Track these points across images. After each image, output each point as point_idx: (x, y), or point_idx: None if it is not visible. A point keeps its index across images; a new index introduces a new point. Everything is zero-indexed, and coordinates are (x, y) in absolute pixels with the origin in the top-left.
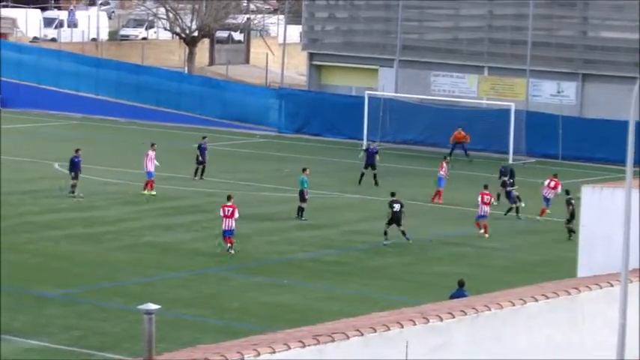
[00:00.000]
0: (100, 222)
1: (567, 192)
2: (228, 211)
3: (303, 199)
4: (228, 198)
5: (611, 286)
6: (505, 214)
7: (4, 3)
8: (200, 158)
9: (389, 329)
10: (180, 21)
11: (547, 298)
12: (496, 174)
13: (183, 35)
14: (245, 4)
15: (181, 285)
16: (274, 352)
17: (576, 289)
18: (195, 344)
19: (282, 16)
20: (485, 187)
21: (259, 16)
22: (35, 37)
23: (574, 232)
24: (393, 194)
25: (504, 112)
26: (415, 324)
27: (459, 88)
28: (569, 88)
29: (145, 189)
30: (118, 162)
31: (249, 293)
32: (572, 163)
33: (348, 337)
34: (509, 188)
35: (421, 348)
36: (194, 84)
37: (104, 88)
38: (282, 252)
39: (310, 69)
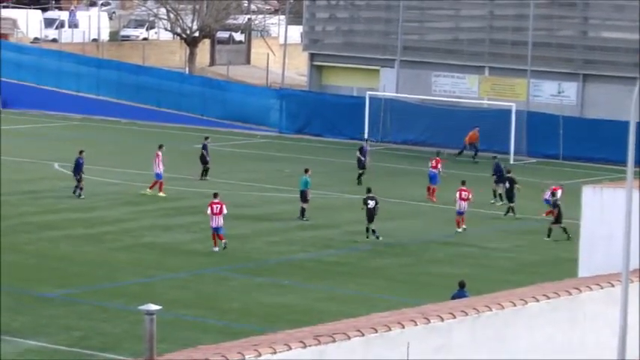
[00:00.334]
0: (100, 222)
1: (553, 194)
2: (217, 208)
3: (305, 199)
4: (215, 195)
5: (612, 286)
6: (505, 215)
7: (4, 3)
8: (207, 158)
9: (390, 329)
10: (181, 21)
11: (548, 298)
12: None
13: (184, 36)
14: (246, 5)
15: (182, 285)
16: (275, 353)
17: (577, 289)
18: (196, 345)
19: (282, 17)
20: (463, 182)
21: (260, 16)
22: (36, 38)
23: (565, 229)
24: (369, 190)
25: (505, 113)
26: (416, 324)
27: (460, 88)
28: (570, 89)
29: (150, 188)
30: (118, 162)
31: (250, 294)
32: (572, 164)
33: (349, 338)
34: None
35: (422, 348)
36: (195, 84)
37: (105, 89)
38: (283, 252)
39: (311, 69)
